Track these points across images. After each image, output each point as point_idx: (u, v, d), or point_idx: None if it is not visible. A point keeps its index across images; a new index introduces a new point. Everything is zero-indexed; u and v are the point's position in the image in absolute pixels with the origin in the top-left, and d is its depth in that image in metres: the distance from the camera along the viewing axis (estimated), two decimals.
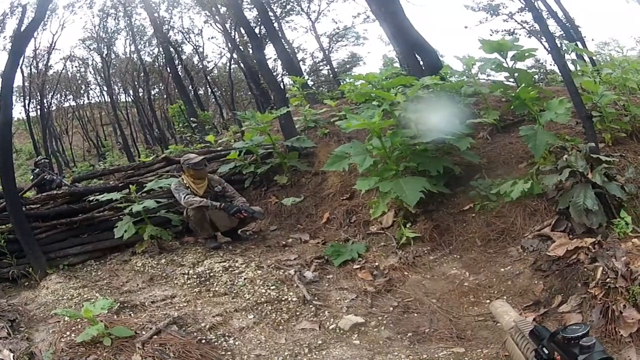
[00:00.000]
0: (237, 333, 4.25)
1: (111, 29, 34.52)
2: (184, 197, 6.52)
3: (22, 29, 7.13)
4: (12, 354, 3.98)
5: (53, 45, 34.20)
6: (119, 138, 38.00)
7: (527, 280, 4.26)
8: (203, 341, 4.08)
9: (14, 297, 5.84)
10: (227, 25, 25.05)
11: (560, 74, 6.92)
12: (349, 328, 4.04)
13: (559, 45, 6.93)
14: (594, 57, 14.47)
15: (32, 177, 11.67)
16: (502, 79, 7.53)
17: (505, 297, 4.13)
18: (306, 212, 7.53)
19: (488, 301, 4.14)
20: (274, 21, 23.63)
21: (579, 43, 18.93)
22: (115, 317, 4.45)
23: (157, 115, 36.61)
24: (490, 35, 24.25)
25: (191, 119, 19.68)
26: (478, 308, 4.10)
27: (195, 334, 4.20)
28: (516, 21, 24.05)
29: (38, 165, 11.86)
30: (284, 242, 6.69)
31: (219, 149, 9.86)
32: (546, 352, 1.34)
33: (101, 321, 3.91)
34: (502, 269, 4.51)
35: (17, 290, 6.16)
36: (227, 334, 4.24)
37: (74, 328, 4.07)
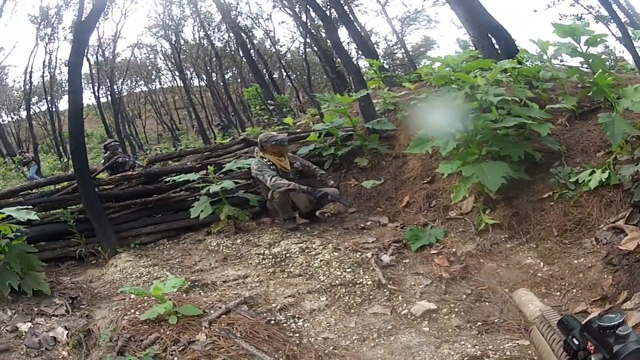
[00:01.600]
0: (308, 315, 4.44)
1: (177, 17, 35.40)
2: (271, 180, 6.68)
3: (83, 18, 7.54)
4: (66, 332, 4.16)
5: (117, 33, 35.59)
6: (194, 121, 39.08)
7: (598, 273, 4.25)
8: (272, 322, 4.27)
9: (78, 275, 6.15)
10: (297, 10, 25.25)
11: (631, 61, 6.72)
12: (421, 314, 4.16)
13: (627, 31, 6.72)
14: None
15: (102, 160, 12.26)
16: (575, 64, 7.37)
17: (575, 291, 4.16)
18: (386, 195, 7.67)
19: (558, 293, 4.18)
20: (343, 4, 23.67)
21: None
22: (184, 295, 4.70)
23: (232, 99, 37.42)
24: (560, 19, 23.70)
25: (268, 101, 20.10)
26: (548, 300, 4.13)
27: (265, 314, 4.40)
28: (582, 6, 23.38)
29: (108, 148, 12.40)
30: (362, 225, 6.82)
31: (298, 130, 10.13)
32: (577, 342, 1.30)
33: (170, 299, 4.09)
34: (576, 261, 4.52)
35: (83, 269, 6.48)
36: (297, 315, 4.43)
37: (139, 306, 4.29)
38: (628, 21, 19.50)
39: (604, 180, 4.94)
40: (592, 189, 4.99)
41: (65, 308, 4.68)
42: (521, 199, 5.59)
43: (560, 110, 6.42)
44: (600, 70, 5.64)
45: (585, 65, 6.64)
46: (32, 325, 4.35)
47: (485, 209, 5.70)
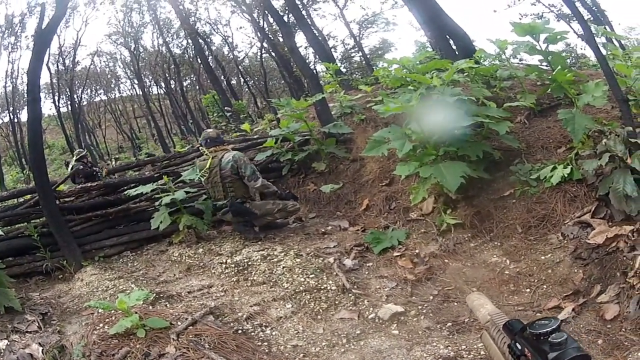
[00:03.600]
0: (275, 323, 4.33)
1: (137, 23, 35.17)
2: (262, 179, 6.62)
3: (43, 26, 7.30)
4: (41, 348, 4.10)
5: (78, 41, 35.10)
6: (153, 130, 38.76)
7: (567, 268, 4.22)
8: (239, 331, 4.17)
9: (47, 290, 5.99)
10: (255, 15, 25.21)
11: (593, 58, 6.83)
12: (389, 317, 4.08)
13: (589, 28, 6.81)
14: (623, 41, 14.32)
15: (70, 169, 11.97)
16: (534, 63, 7.43)
17: (545, 287, 4.12)
18: (345, 199, 7.55)
19: (528, 290, 4.13)
20: (301, 9, 23.71)
21: (606, 27, 18.76)
22: (150, 308, 4.58)
23: (190, 106, 37.20)
24: (520, 18, 24.41)
25: (225, 108, 19.87)
26: (518, 297, 4.09)
27: (231, 324, 4.29)
28: (544, 5, 23.99)
29: (80, 159, 12.12)
30: (323, 230, 6.70)
31: (255, 137, 9.96)
32: (519, 347, 1.27)
33: (136, 312, 4.00)
34: (543, 257, 4.47)
35: (51, 284, 6.31)
36: (264, 323, 4.33)
37: (107, 320, 4.18)
38: (592, 18, 20.05)
39: (566, 175, 4.94)
40: (554, 184, 4.98)
41: (37, 324, 4.62)
42: (482, 197, 5.55)
43: (519, 108, 6.43)
44: (559, 67, 5.65)
45: (545, 63, 6.67)
46: (8, 343, 4.27)
47: (446, 209, 5.63)
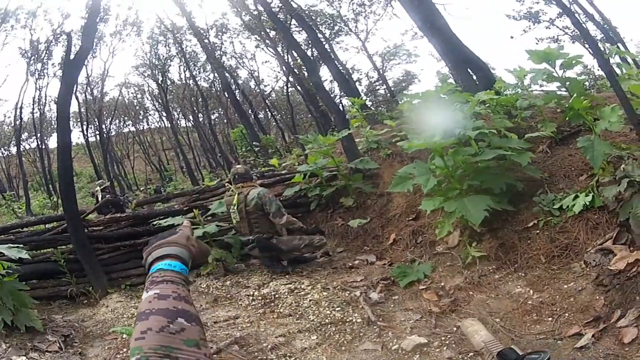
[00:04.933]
0: (299, 353, 4.42)
1: (163, 56, 35.84)
2: (287, 215, 6.79)
3: (71, 57, 7.60)
4: None
5: (105, 72, 35.97)
6: (182, 162, 39.25)
7: (589, 296, 4.25)
8: None
9: (70, 313, 6.15)
10: (279, 49, 25.61)
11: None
12: (411, 349, 4.14)
13: (601, 49, 6.86)
14: (637, 59, 14.25)
15: (96, 200, 12.40)
16: (553, 88, 7.49)
17: (567, 314, 4.14)
18: (372, 233, 7.66)
19: (550, 319, 4.15)
20: (324, 43, 24.02)
21: (619, 45, 18.63)
22: None
23: (218, 140, 37.67)
24: (536, 43, 24.84)
25: (254, 143, 20.16)
26: (540, 326, 4.12)
27: (256, 353, 4.40)
28: (558, 27, 24.26)
29: (104, 190, 12.55)
30: (350, 264, 6.83)
31: (283, 172, 10.16)
32: None
33: None
34: (565, 286, 4.51)
35: (75, 308, 6.49)
36: (288, 354, 4.42)
37: None
38: (604, 37, 20.00)
39: (587, 203, 4.97)
40: (576, 213, 5.00)
41: (58, 345, 4.75)
42: (507, 229, 5.59)
43: (541, 137, 6.48)
44: (575, 95, 5.74)
45: (565, 89, 6.73)
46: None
47: (472, 242, 5.71)
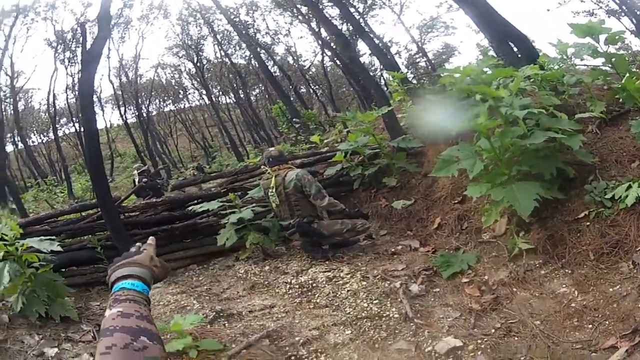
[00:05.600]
0: (331, 350, 4.43)
1: (195, 36, 36.27)
2: (329, 197, 6.81)
3: (89, 46, 7.70)
4: (91, 358, 4.35)
5: (138, 55, 36.70)
6: (226, 139, 39.73)
7: (632, 303, 4.06)
8: (293, 357, 4.32)
9: (108, 300, 6.31)
10: (313, 24, 25.45)
11: None
12: (445, 352, 4.09)
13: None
14: None
15: (134, 183, 12.74)
16: (596, 63, 7.20)
17: (607, 322, 3.99)
18: (417, 216, 7.60)
19: (590, 326, 4.02)
20: (358, 17, 23.73)
21: None
22: (208, 327, 4.82)
23: (260, 116, 38.09)
24: (573, 17, 25.18)
25: (294, 119, 20.26)
26: (579, 333, 4.00)
27: (287, 348, 4.44)
28: (592, 1, 23.65)
29: (142, 173, 12.84)
30: (392, 250, 6.80)
31: (324, 150, 10.18)
32: None
33: (190, 334, 4.24)
34: (611, 289, 4.33)
35: None
36: (319, 349, 4.44)
37: (162, 337, 4.40)
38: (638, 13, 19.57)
39: None
40: (629, 205, 4.75)
41: (92, 334, 4.89)
42: (556, 219, 5.40)
43: (590, 117, 6.20)
44: (627, 75, 5.50)
45: (609, 65, 6.48)
46: (58, 351, 4.54)
47: (519, 231, 5.56)
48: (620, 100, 5.81)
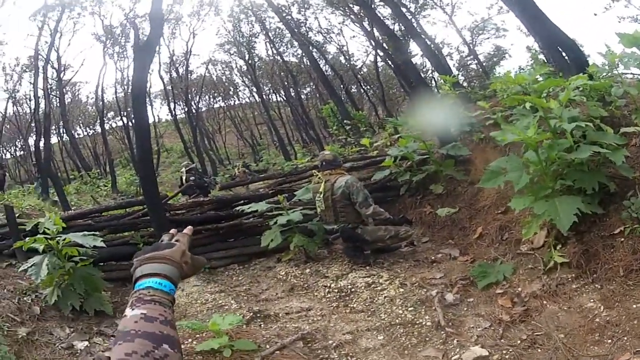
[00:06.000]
0: (361, 354, 4.65)
1: (247, 33, 36.69)
2: (374, 206, 6.99)
3: (141, 42, 7.98)
4: None
5: (189, 51, 37.33)
6: (274, 137, 40.10)
7: None
8: None
9: None
10: (365, 24, 25.52)
11: None
12: None
13: None
14: None
15: (183, 182, 13.07)
16: None
17: (625, 338, 4.09)
18: (460, 224, 7.74)
19: (609, 341, 4.13)
20: (410, 17, 23.69)
21: None
22: (244, 327, 5.04)
23: (310, 115, 38.32)
24: (618, 22, 24.93)
25: (344, 121, 20.39)
26: (598, 348, 4.12)
27: (319, 351, 4.66)
28: (635, 7, 23.74)
29: (190, 171, 13.22)
30: (432, 258, 6.99)
31: (373, 154, 10.36)
32: None
33: (227, 333, 4.44)
34: (635, 305, 4.40)
35: None
36: (350, 354, 4.65)
37: (197, 336, 4.65)
38: None
39: None
40: None
41: None
42: (593, 233, 5.47)
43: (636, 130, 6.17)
44: None
45: None
46: (88, 344, 4.81)
47: (557, 244, 5.65)
48: None
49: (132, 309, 1.31)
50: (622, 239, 5.14)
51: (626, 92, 6.47)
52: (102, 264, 6.91)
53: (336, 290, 6.15)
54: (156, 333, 1.25)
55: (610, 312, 4.51)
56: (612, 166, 5.64)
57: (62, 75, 34.52)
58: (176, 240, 1.61)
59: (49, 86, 30.71)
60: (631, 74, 7.59)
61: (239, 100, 50.61)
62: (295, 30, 29.36)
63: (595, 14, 35.26)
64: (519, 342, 4.48)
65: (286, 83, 39.14)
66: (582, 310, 4.72)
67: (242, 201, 8.45)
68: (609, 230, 5.36)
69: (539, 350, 4.32)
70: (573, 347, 4.21)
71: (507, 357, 4.27)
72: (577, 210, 5.15)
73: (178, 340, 1.31)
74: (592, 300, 4.78)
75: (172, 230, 1.69)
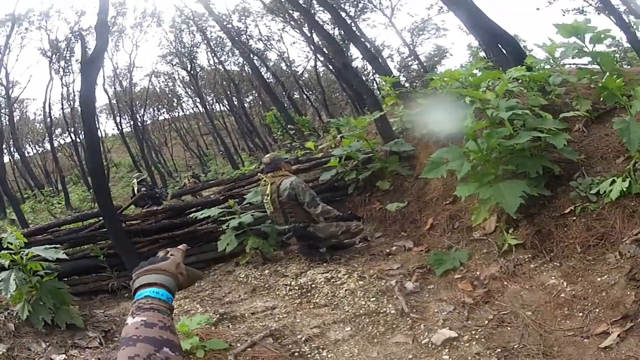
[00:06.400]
0: (332, 345, 4.56)
1: (189, 44, 36.50)
2: (322, 204, 6.91)
3: (88, 55, 7.79)
4: None
5: (132, 63, 36.97)
6: (221, 147, 39.87)
7: (621, 290, 4.18)
8: (296, 354, 4.43)
9: (112, 307, 6.36)
10: (305, 29, 25.64)
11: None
12: (441, 343, 4.22)
13: (627, 22, 6.74)
14: None
15: (133, 192, 12.84)
16: (584, 62, 7.36)
17: (597, 310, 4.11)
18: (410, 217, 7.74)
19: (581, 314, 4.15)
20: (349, 21, 23.91)
21: None
22: (213, 328, 4.88)
23: (254, 123, 38.24)
24: (562, 15, 25.40)
25: (288, 126, 20.34)
26: (570, 322, 4.14)
27: (290, 346, 4.56)
28: None
29: (141, 182, 12.97)
30: (387, 251, 6.94)
31: (319, 156, 10.33)
32: None
33: (197, 334, 4.33)
34: (599, 279, 4.45)
35: (116, 301, 6.73)
36: (321, 346, 4.56)
37: None
38: (626, 9, 19.82)
39: (625, 189, 4.84)
40: (613, 199, 4.89)
41: (98, 340, 4.92)
42: (543, 215, 5.54)
43: (576, 116, 6.34)
44: (607, 74, 5.65)
45: (596, 63, 6.62)
46: (66, 357, 4.59)
47: (508, 228, 5.70)
48: (601, 99, 5.95)
49: (133, 317, 1.37)
50: (574, 218, 5.22)
51: (566, 80, 6.59)
52: (65, 279, 6.65)
53: (297, 288, 6.04)
54: (157, 337, 1.31)
55: (575, 287, 4.54)
56: (557, 151, 5.72)
57: (10, 92, 33.46)
58: (170, 255, 1.69)
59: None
60: (573, 64, 7.74)
61: (183, 111, 50.22)
62: (236, 38, 29.23)
63: (538, 9, 36.11)
64: (486, 322, 4.45)
65: (229, 92, 39.00)
66: (544, 287, 4.75)
67: (194, 208, 8.27)
68: (560, 211, 5.43)
69: (509, 328, 4.30)
70: (543, 323, 4.20)
71: (476, 337, 4.23)
72: (522, 193, 5.21)
73: (179, 345, 1.36)
74: (553, 278, 4.82)
75: (167, 249, 1.78)
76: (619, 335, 3.65)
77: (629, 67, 16.60)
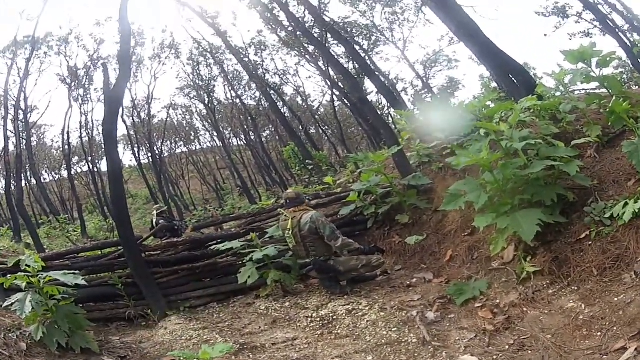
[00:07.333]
0: None
1: (206, 76, 36.82)
2: (343, 237, 6.98)
3: (110, 86, 7.93)
4: None
5: (150, 95, 37.16)
6: (238, 181, 39.92)
7: (637, 308, 4.25)
8: None
9: (128, 335, 6.46)
10: (321, 63, 25.86)
11: None
12: None
13: (630, 40, 6.84)
14: None
15: (152, 224, 12.92)
16: (591, 87, 7.46)
17: (615, 328, 4.19)
18: (430, 250, 7.82)
19: (599, 333, 4.22)
20: (363, 55, 24.05)
21: None
22: (233, 358, 4.99)
23: (271, 158, 38.22)
24: (569, 39, 25.38)
25: (306, 161, 20.51)
26: (589, 341, 4.20)
27: None
28: (586, 21, 24.44)
29: (161, 214, 13.07)
30: (408, 282, 7.01)
31: (338, 190, 10.43)
32: None
33: None
34: (616, 298, 4.53)
35: (133, 329, 6.79)
36: None
37: None
38: (629, 27, 19.91)
39: (637, 211, 4.94)
40: (627, 222, 4.99)
41: None
42: (560, 242, 5.64)
43: (587, 142, 6.44)
44: (614, 98, 5.75)
45: (604, 88, 6.70)
46: None
47: (526, 256, 5.78)
48: (609, 123, 6.06)
49: None
50: (590, 243, 5.32)
51: (576, 107, 6.71)
52: (81, 305, 6.72)
53: (318, 320, 6.10)
54: None
55: (593, 309, 4.62)
56: (570, 178, 5.84)
57: (28, 117, 33.74)
58: None
59: (17, 128, 30.13)
60: (582, 89, 7.85)
61: (200, 145, 50.53)
62: (253, 72, 29.52)
63: (546, 35, 36.28)
64: (507, 347, 4.52)
65: (246, 126, 39.17)
66: (563, 311, 4.82)
67: (215, 241, 8.37)
68: (575, 237, 5.54)
69: (529, 352, 4.36)
70: (563, 345, 4.27)
71: None
72: (538, 221, 5.33)
73: None
74: (571, 301, 4.90)
75: None
76: (636, 349, 3.73)
77: (637, 87, 16.65)
